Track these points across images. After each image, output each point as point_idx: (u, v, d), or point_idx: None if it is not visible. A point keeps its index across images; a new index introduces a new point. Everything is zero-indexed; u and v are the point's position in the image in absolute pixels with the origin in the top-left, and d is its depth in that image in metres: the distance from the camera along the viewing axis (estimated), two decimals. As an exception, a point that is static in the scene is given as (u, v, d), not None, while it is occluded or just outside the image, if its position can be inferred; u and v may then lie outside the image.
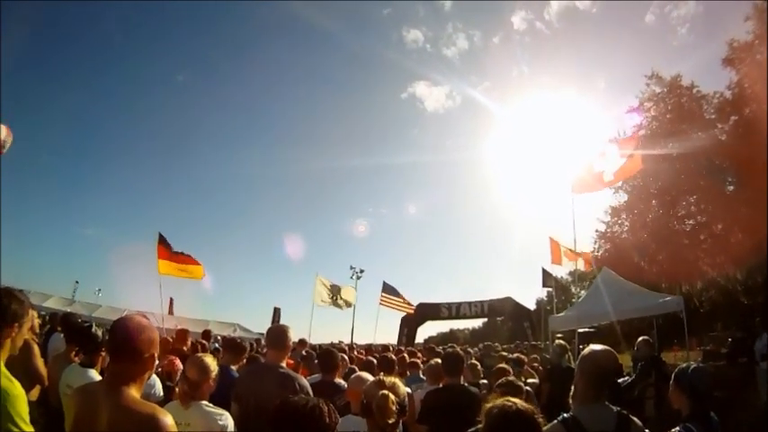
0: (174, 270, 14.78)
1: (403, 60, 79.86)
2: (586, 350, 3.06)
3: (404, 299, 25.59)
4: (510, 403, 2.16)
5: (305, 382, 4.16)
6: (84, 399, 2.13)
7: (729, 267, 24.06)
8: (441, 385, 5.04)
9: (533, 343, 18.38)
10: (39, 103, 74.03)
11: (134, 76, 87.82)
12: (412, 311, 27.12)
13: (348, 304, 23.17)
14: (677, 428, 2.98)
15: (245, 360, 6.12)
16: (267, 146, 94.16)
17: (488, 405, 2.19)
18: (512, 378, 4.47)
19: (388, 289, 25.41)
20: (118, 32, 78.98)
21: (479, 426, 2.24)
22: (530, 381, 7.49)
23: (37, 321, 6.32)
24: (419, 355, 8.80)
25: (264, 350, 10.03)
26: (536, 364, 9.78)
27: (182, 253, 15.10)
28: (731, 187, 24.26)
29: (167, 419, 1.99)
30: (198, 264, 15.21)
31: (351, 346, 15.27)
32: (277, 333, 4.34)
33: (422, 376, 6.63)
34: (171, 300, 24.60)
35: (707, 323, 23.70)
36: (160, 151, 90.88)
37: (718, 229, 24.59)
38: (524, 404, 2.19)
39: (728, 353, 13.82)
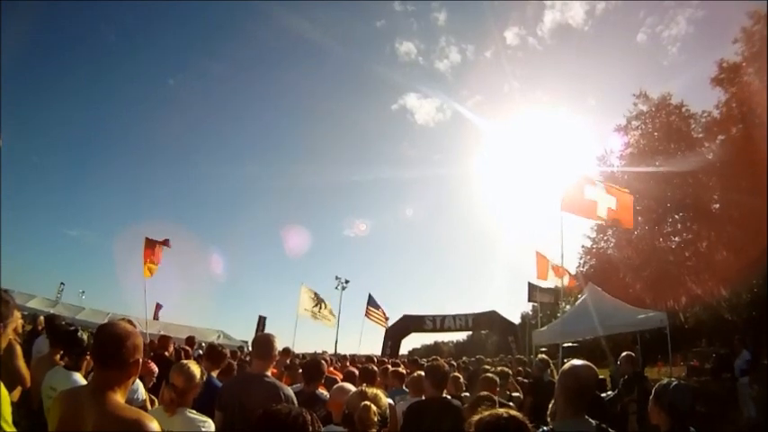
0: (153, 270, 14.76)
1: (394, 72, 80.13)
2: (566, 365, 3.09)
3: (382, 312, 25.84)
4: (501, 411, 2.18)
5: (290, 391, 4.15)
6: (69, 403, 2.12)
7: (714, 285, 24.25)
8: (423, 398, 5.04)
9: (518, 356, 18.40)
10: (27, 104, 73.60)
11: (124, 80, 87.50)
12: (385, 325, 27.28)
13: (328, 320, 23.15)
14: (656, 445, 3.01)
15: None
16: (255, 154, 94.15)
17: (477, 417, 2.19)
18: (486, 393, 4.46)
19: (374, 302, 25.57)
20: (108, 35, 78.67)
21: None
22: (514, 394, 7.51)
23: (20, 322, 6.27)
24: (402, 367, 8.78)
25: (248, 358, 10.03)
26: (519, 378, 9.81)
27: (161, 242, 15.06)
28: (717, 206, 24.46)
29: (153, 425, 1.98)
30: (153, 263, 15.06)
31: (334, 358, 15.22)
32: (263, 342, 4.33)
33: (405, 389, 6.63)
34: (158, 305, 24.50)
35: (691, 339, 23.85)
36: (148, 155, 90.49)
37: (703, 246, 24.77)
38: (514, 412, 2.21)
39: (712, 368, 13.99)
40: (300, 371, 6.97)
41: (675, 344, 14.43)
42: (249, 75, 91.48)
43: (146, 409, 3.94)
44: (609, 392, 8.35)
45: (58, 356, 4.56)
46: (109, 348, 2.12)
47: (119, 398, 2.07)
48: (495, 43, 69.58)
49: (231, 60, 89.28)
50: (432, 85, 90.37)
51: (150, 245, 14.77)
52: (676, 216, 25.85)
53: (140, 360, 2.19)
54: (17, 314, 2.69)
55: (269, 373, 4.20)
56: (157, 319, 24.10)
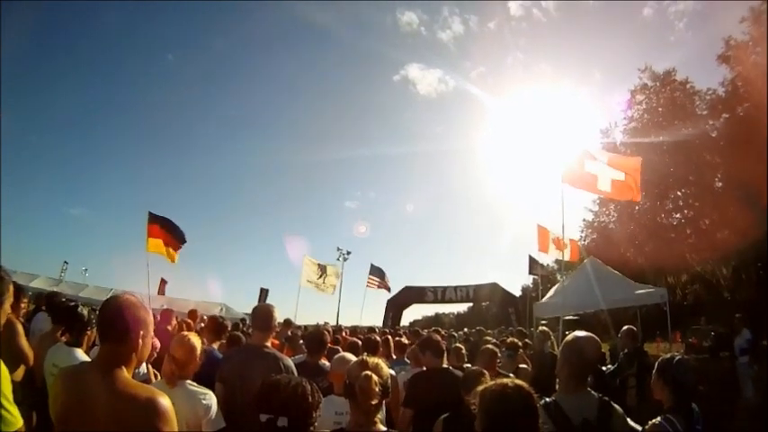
0: (160, 249, 14.77)
1: (397, 43, 79.24)
2: (570, 337, 3.09)
3: (383, 279, 25.97)
4: (506, 381, 2.18)
5: (290, 362, 4.15)
6: (73, 382, 2.05)
7: (714, 263, 24.29)
8: (424, 368, 5.06)
9: (518, 328, 18.51)
10: (27, 82, 72.99)
11: (123, 56, 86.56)
12: (386, 290, 27.49)
13: (332, 287, 23.13)
14: (658, 419, 2.99)
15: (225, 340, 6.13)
16: (256, 128, 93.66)
17: (483, 386, 2.19)
18: (478, 368, 4.45)
19: (375, 271, 25.61)
20: (107, 12, 77.56)
21: (473, 408, 2.21)
22: (522, 366, 7.52)
23: (25, 303, 6.26)
24: (404, 338, 8.80)
25: (250, 330, 10.07)
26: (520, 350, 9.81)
27: (171, 229, 15.07)
28: (720, 184, 24.43)
29: (166, 401, 1.95)
30: (176, 248, 15.18)
31: (337, 329, 15.27)
32: (262, 314, 4.32)
33: (407, 359, 6.67)
34: (162, 280, 24.50)
35: (690, 316, 23.87)
36: (149, 131, 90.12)
37: (704, 224, 24.81)
38: (520, 381, 2.20)
39: (711, 347, 14.02)
40: (301, 342, 7.01)
41: (674, 321, 14.45)
42: (249, 49, 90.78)
43: (149, 383, 3.95)
44: (609, 366, 8.39)
45: (60, 333, 4.56)
46: (105, 320, 2.09)
47: (126, 375, 2.02)
48: (499, 14, 68.83)
49: (231, 36, 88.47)
50: (434, 56, 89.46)
51: (155, 220, 14.75)
52: (678, 193, 25.89)
53: (142, 333, 2.09)
54: (11, 289, 2.65)
55: (269, 344, 4.22)
56: (163, 295, 24.09)
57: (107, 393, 1.93)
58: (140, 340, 2.09)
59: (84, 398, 1.95)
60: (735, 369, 11.61)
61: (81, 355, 4.01)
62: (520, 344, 8.58)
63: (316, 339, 5.30)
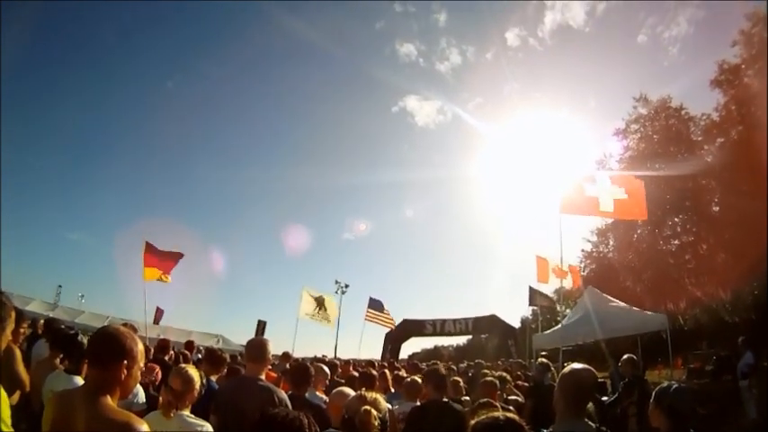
0: (155, 275, 14.81)
1: (395, 74, 79.70)
2: (566, 369, 3.11)
3: (387, 314, 25.75)
4: (498, 414, 2.18)
5: (284, 395, 4.16)
6: (61, 404, 2.14)
7: (714, 287, 24.22)
8: (418, 402, 5.05)
9: (517, 360, 18.37)
10: (26, 106, 73.38)
11: (123, 81, 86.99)
12: (392, 327, 27.19)
13: (329, 320, 22.98)
14: (655, 447, 3.00)
15: (224, 372, 6.14)
16: (255, 157, 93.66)
17: (475, 420, 2.20)
18: (487, 399, 4.46)
19: (374, 304, 25.46)
20: (108, 37, 78.38)
21: None
22: (511, 398, 7.49)
23: (24, 327, 6.24)
24: (403, 371, 8.76)
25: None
26: (519, 382, 9.76)
27: (165, 255, 15.10)
28: (717, 208, 24.48)
29: (142, 428, 1.99)
30: (171, 267, 15.24)
31: (338, 361, 15.19)
32: (256, 346, 4.35)
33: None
34: (159, 309, 24.41)
35: (691, 341, 23.80)
36: (148, 158, 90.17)
37: (703, 249, 24.78)
38: (511, 414, 2.21)
39: (713, 371, 13.94)
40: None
41: (675, 346, 14.40)
42: (249, 77, 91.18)
43: (145, 412, 3.95)
44: (610, 396, 8.36)
45: (58, 360, 4.56)
46: (91, 349, 2.21)
47: (110, 401, 2.07)
48: (496, 44, 69.18)
49: (231, 62, 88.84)
50: (432, 87, 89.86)
51: (151, 250, 14.77)
52: (676, 219, 25.91)
53: (126, 363, 2.13)
54: (13, 315, 2.66)
55: (263, 377, 4.22)
56: (158, 324, 23.99)
57: (87, 417, 2.00)
58: (124, 370, 2.13)
59: (67, 420, 2.04)
60: (738, 392, 11.55)
61: (80, 382, 4.00)
62: (508, 377, 8.57)
63: (300, 373, 5.29)
